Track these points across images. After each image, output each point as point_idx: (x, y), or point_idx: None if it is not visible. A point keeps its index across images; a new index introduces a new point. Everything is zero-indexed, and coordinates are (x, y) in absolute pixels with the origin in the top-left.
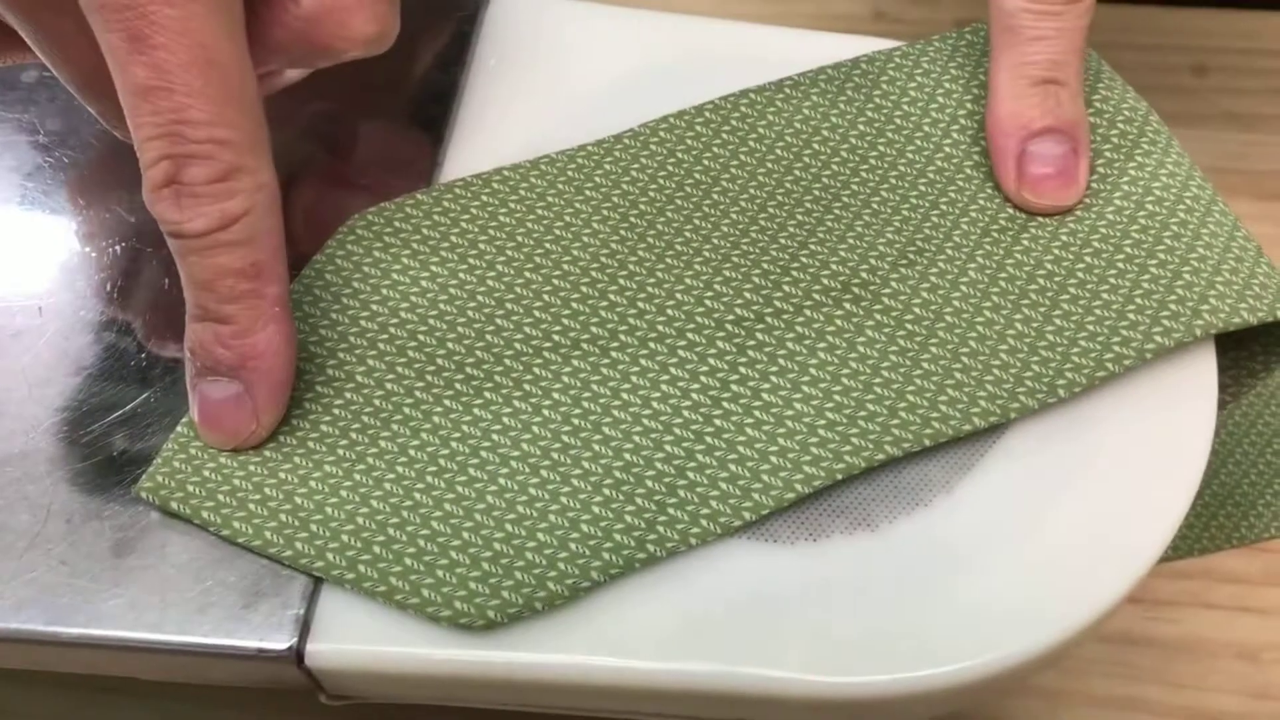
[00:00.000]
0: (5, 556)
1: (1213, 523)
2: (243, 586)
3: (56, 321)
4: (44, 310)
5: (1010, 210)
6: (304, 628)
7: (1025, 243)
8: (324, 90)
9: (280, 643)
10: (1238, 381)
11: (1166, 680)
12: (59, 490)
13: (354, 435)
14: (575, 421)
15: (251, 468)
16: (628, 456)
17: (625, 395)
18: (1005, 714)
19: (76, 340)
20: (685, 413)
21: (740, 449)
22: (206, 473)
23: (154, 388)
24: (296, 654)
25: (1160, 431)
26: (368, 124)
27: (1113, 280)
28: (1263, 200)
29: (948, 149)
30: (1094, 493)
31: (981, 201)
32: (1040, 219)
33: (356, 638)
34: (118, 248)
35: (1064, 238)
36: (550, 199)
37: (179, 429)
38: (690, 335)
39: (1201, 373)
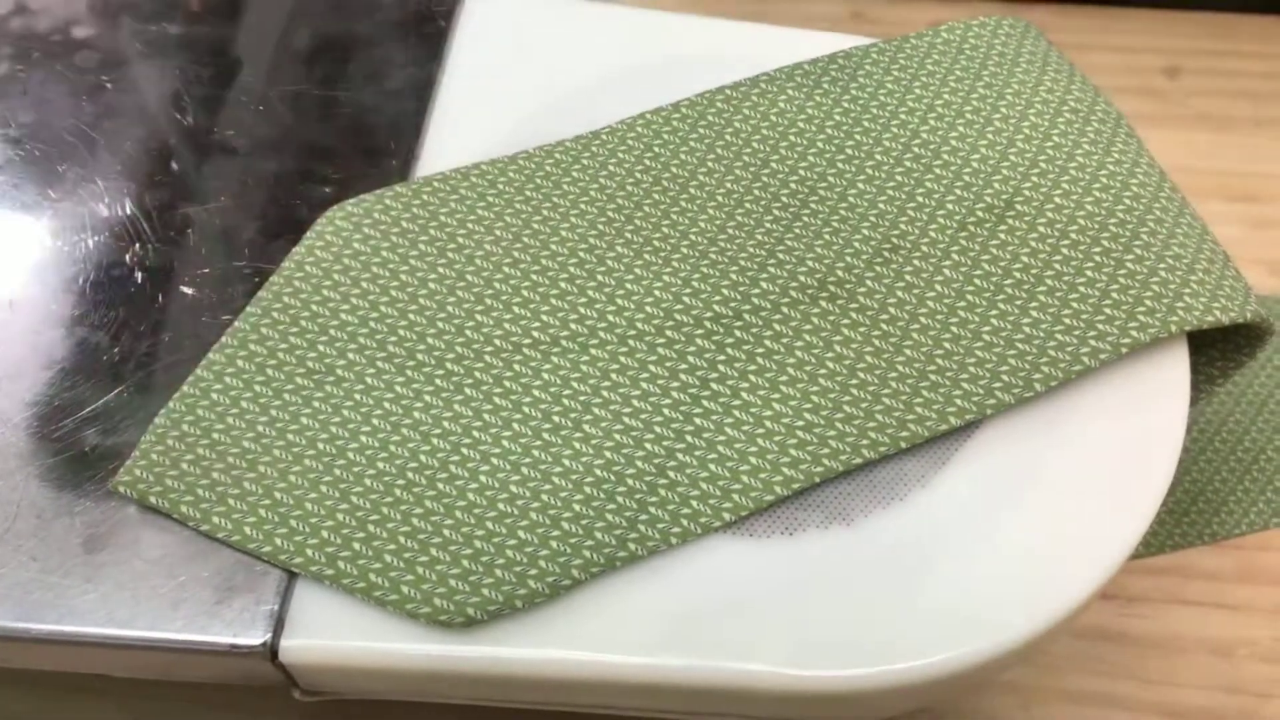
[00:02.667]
0: None
1: (1184, 520)
2: (216, 582)
3: (27, 316)
4: (14, 305)
5: (986, 203)
6: (278, 624)
7: (1001, 237)
8: (300, 83)
9: (254, 639)
10: (1198, 385)
11: (1140, 676)
12: (29, 486)
13: (334, 429)
14: (556, 419)
15: (230, 459)
16: (609, 455)
17: (605, 393)
18: (979, 710)
19: (47, 335)
20: (665, 411)
21: (720, 449)
22: (184, 465)
23: (126, 383)
24: (270, 650)
25: (1133, 428)
26: (344, 118)
27: (1089, 275)
28: (1232, 200)
29: (918, 146)
30: (1067, 488)
31: (958, 192)
32: (1017, 210)
33: (331, 633)
34: (89, 241)
35: (1040, 229)
36: (528, 193)
37: (156, 421)
38: (669, 333)
39: (1174, 371)
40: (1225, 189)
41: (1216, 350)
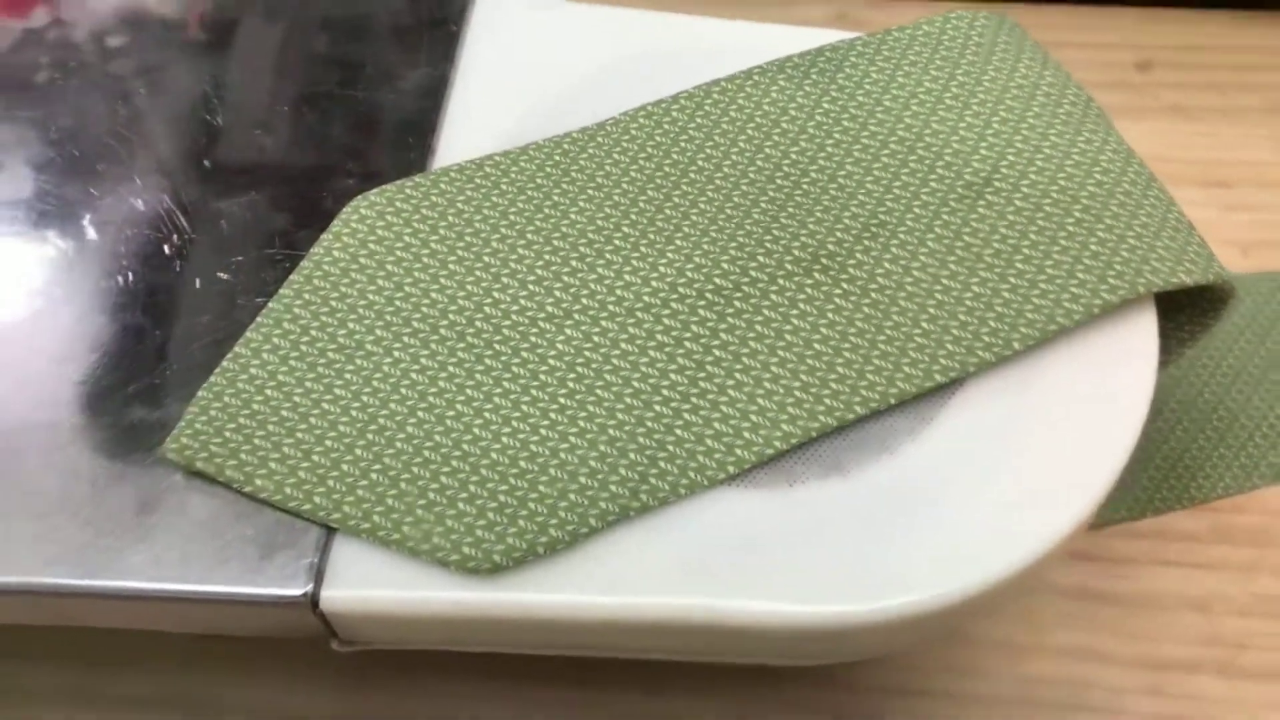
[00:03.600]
0: (35, 518)
1: (1164, 485)
2: (260, 539)
3: (74, 304)
4: (61, 294)
5: (965, 181)
6: (318, 575)
7: (980, 212)
8: (321, 86)
9: (296, 590)
10: (1168, 348)
11: (1123, 632)
12: (82, 459)
13: (365, 399)
14: (571, 385)
15: (270, 427)
16: (620, 416)
17: (615, 361)
18: (972, 664)
19: (93, 321)
20: (672, 375)
21: (724, 409)
22: (228, 434)
23: (168, 362)
24: (312, 600)
25: (1105, 384)
26: (364, 117)
27: (1062, 244)
28: (1206, 186)
29: (902, 130)
30: (1044, 441)
31: (939, 172)
32: (995, 186)
33: (367, 583)
34: (130, 234)
35: (1017, 204)
36: (539, 181)
37: (200, 394)
38: (674, 305)
39: (1143, 331)
40: (1197, 175)
41: (1184, 315)
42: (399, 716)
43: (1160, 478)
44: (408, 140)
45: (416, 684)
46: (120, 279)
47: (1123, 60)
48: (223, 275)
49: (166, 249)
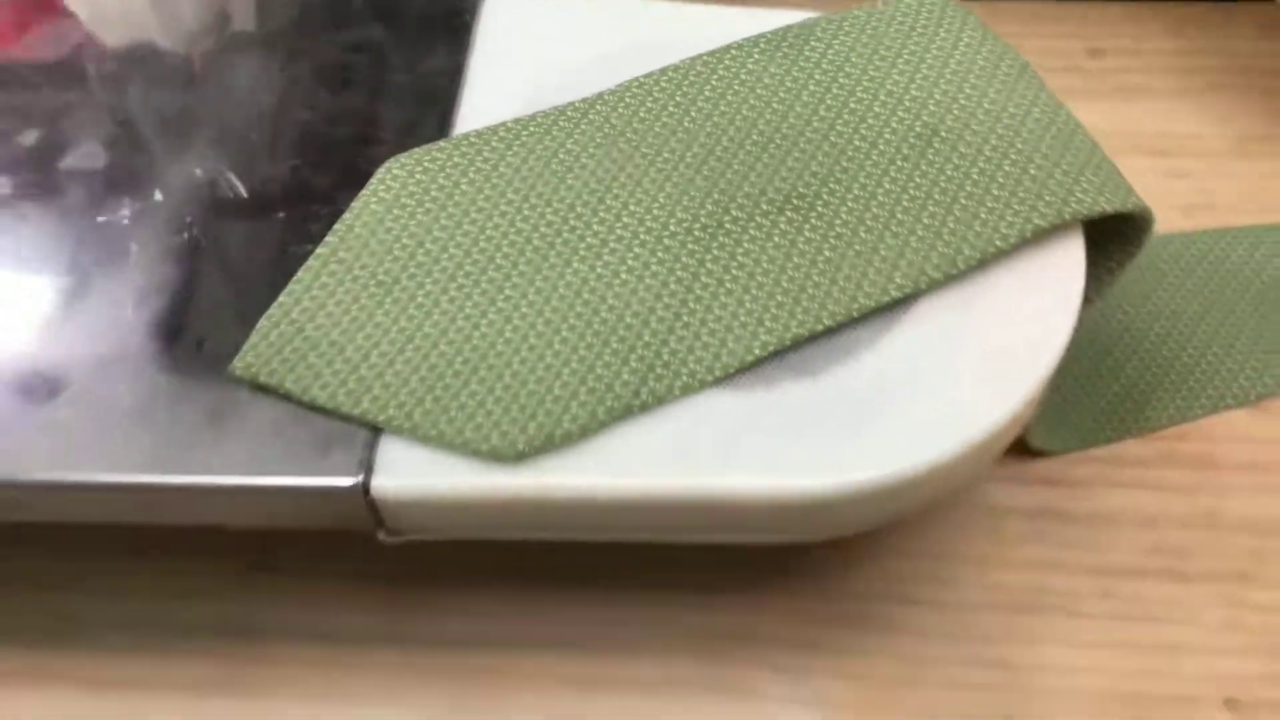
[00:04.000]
0: (121, 429)
1: (1115, 416)
2: (316, 440)
3: (145, 255)
4: (135, 245)
5: (916, 132)
6: (368, 468)
7: (929, 157)
8: (354, 71)
9: (349, 480)
10: (1099, 277)
11: (1079, 545)
12: (158, 381)
13: (404, 323)
14: (579, 307)
15: (323, 348)
16: (623, 331)
17: (618, 286)
18: (943, 574)
19: (164, 268)
20: (666, 297)
21: (711, 324)
22: (287, 353)
23: (230, 300)
24: (363, 488)
25: (1042, 295)
26: (392, 97)
27: (1000, 181)
28: (1151, 156)
29: (861, 91)
30: (989, 342)
31: (894, 125)
32: (942, 136)
33: (411, 473)
34: (192, 196)
35: (961, 150)
36: (547, 141)
37: (262, 322)
38: (666, 240)
39: (1073, 252)
40: (1142, 147)
41: (1113, 246)
42: (435, 636)
43: (1111, 409)
44: (431, 115)
45: (451, 607)
46: (186, 234)
47: (1075, 49)
48: (274, 228)
49: (224, 208)
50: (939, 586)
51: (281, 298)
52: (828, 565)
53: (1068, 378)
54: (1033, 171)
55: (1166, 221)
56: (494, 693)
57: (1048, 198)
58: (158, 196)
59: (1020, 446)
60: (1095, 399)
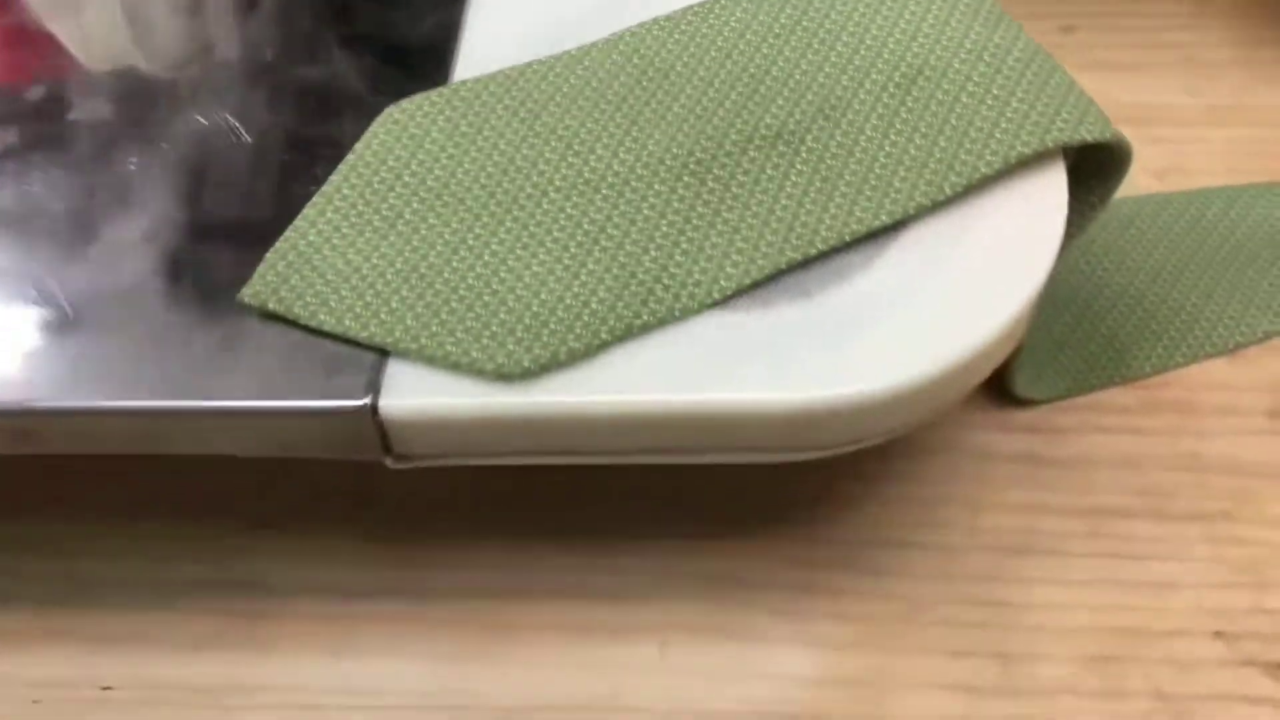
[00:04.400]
0: (133, 357)
1: (1099, 365)
2: (326, 364)
3: (159, 196)
4: (149, 186)
5: (902, 71)
6: (375, 390)
7: (914, 93)
8: (358, 27)
9: (358, 400)
10: (1081, 211)
11: (1066, 488)
12: (172, 312)
13: (408, 253)
14: (581, 236)
15: (329, 276)
16: (623, 258)
17: (617, 217)
18: (934, 518)
19: (177, 210)
20: (664, 225)
21: (708, 250)
22: (294, 280)
23: (239, 232)
24: (371, 408)
25: (1028, 220)
26: (392, 50)
27: (983, 113)
28: (1125, 124)
29: (847, 35)
30: (973, 266)
31: (880, 65)
32: (926, 75)
33: (417, 393)
34: (206, 144)
35: (945, 86)
36: (543, 86)
37: (268, 256)
38: (663, 173)
39: (1055, 180)
40: (1117, 115)
41: (1094, 180)
42: (437, 588)
43: (1094, 359)
44: (430, 67)
45: (453, 560)
46: (199, 176)
47: (1050, 27)
48: (281, 169)
49: (235, 153)
50: (930, 530)
51: (289, 230)
52: (820, 511)
53: (1052, 329)
54: (1014, 104)
55: (1142, 185)
56: (497, 640)
57: (1030, 127)
58: (171, 145)
59: (1006, 395)
60: (1078, 349)
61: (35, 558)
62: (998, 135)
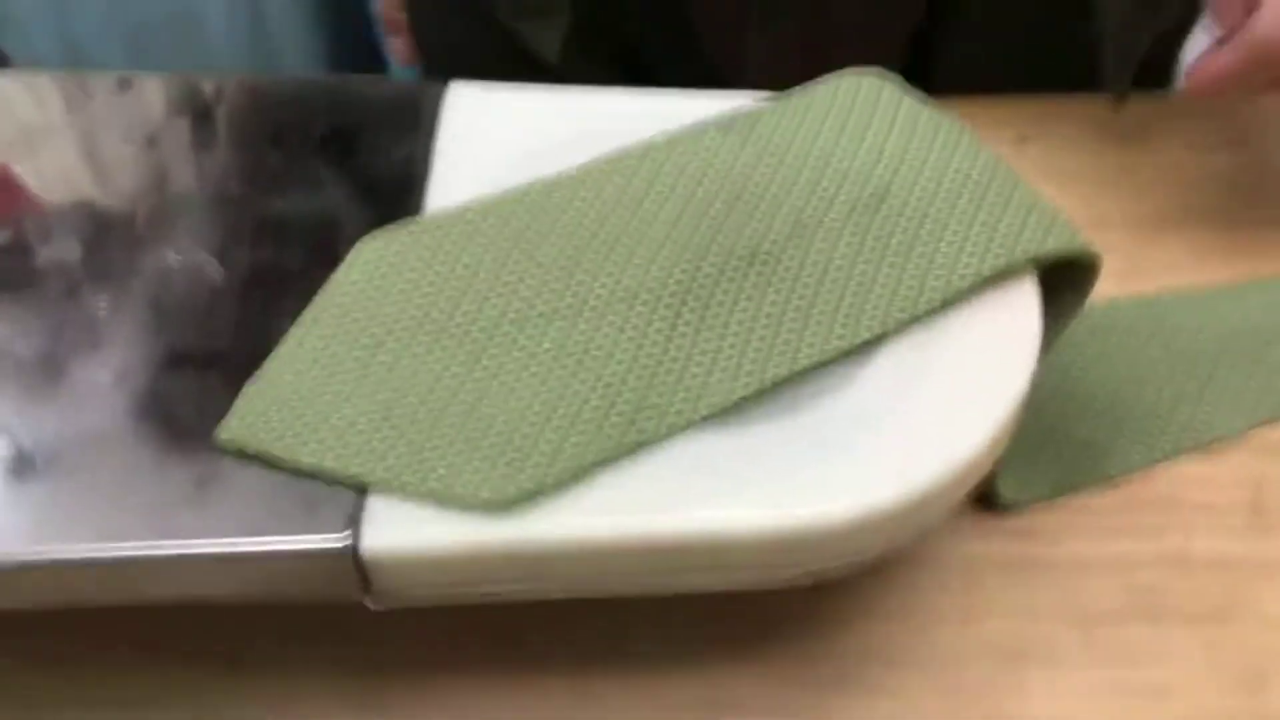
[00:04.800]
0: (105, 499)
1: (1079, 467)
2: (304, 504)
3: (134, 329)
4: (126, 323)
5: (869, 191)
6: (356, 529)
7: (883, 213)
8: (331, 164)
9: (338, 542)
10: (1057, 317)
11: (1057, 593)
12: (146, 449)
13: (390, 389)
14: (564, 361)
15: (309, 414)
16: (606, 382)
17: (597, 345)
18: (925, 629)
19: (153, 341)
20: (646, 350)
21: (691, 371)
22: (274, 422)
23: (214, 371)
24: (352, 549)
25: (1002, 334)
26: (366, 180)
27: (951, 231)
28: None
29: (814, 159)
30: (960, 372)
31: (847, 187)
32: (892, 194)
33: (399, 531)
34: (182, 281)
35: (912, 205)
36: (520, 214)
37: (247, 391)
38: (642, 298)
39: (1027, 294)
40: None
41: (1066, 290)
42: None
43: (1075, 461)
44: (403, 198)
45: (428, 700)
46: (176, 310)
47: (1004, 136)
48: (255, 304)
49: (204, 287)
50: (920, 644)
51: (264, 368)
52: (810, 627)
53: (1032, 432)
54: (982, 218)
55: (1103, 289)
56: None
57: (999, 240)
58: (151, 280)
59: (991, 502)
60: (1058, 452)
61: (4, 708)
62: (968, 249)
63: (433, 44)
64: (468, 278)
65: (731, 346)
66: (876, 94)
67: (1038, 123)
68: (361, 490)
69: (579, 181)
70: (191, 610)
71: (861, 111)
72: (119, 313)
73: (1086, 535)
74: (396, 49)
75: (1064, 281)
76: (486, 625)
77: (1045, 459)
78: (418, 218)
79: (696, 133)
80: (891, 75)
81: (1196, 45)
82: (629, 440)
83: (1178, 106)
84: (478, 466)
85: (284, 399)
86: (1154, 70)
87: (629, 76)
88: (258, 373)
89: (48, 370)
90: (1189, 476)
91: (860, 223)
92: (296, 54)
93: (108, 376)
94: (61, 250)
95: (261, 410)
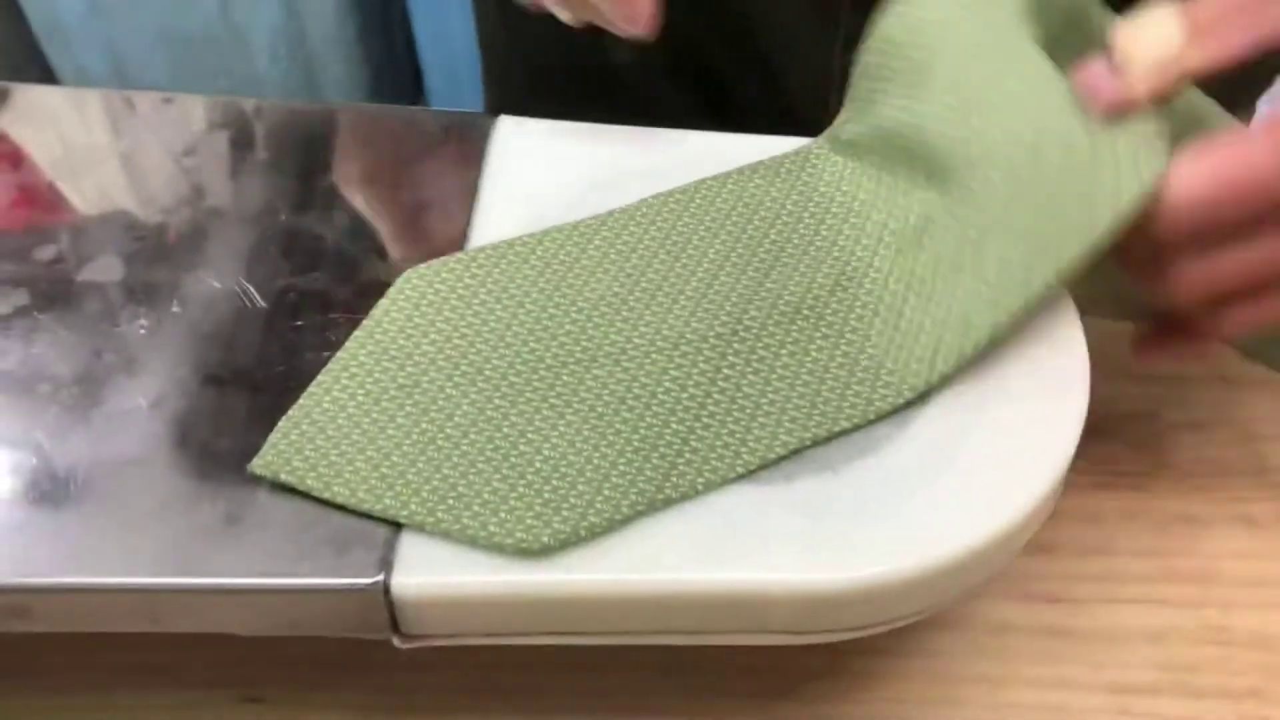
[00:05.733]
0: (136, 530)
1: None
2: (336, 539)
3: (169, 360)
4: (158, 354)
5: (909, 237)
6: (388, 566)
7: (923, 258)
8: (381, 188)
9: (369, 578)
10: None
11: (1088, 662)
12: (180, 480)
13: (425, 425)
14: (601, 408)
15: (345, 446)
16: (644, 430)
17: (637, 389)
18: (952, 696)
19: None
20: (685, 399)
21: (731, 424)
22: (309, 452)
23: (256, 399)
24: (384, 586)
25: (1050, 382)
26: (413, 211)
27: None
28: None
29: (858, 205)
30: (1001, 435)
31: (887, 239)
32: (936, 236)
33: (431, 571)
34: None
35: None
36: (562, 255)
37: (282, 423)
38: (684, 347)
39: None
40: None
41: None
42: None
43: None
44: (448, 228)
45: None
46: (219, 338)
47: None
48: (293, 334)
49: (244, 314)
50: (950, 709)
51: (303, 399)
52: (833, 687)
53: None
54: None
55: None
56: None
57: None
58: (173, 307)
59: (1023, 565)
60: None
61: None
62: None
63: (508, 66)
64: (508, 318)
65: (771, 402)
66: None
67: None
68: (395, 528)
69: (624, 221)
70: (212, 638)
71: None
72: (156, 336)
73: (1121, 604)
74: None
75: None
76: (508, 673)
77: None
78: (462, 250)
79: (744, 175)
80: None
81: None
82: (664, 494)
83: None
84: (512, 508)
85: (320, 431)
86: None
87: (711, 104)
88: (296, 403)
89: (83, 393)
90: (1230, 549)
91: (903, 274)
92: (339, 76)
93: (143, 401)
94: (101, 270)
95: (297, 441)
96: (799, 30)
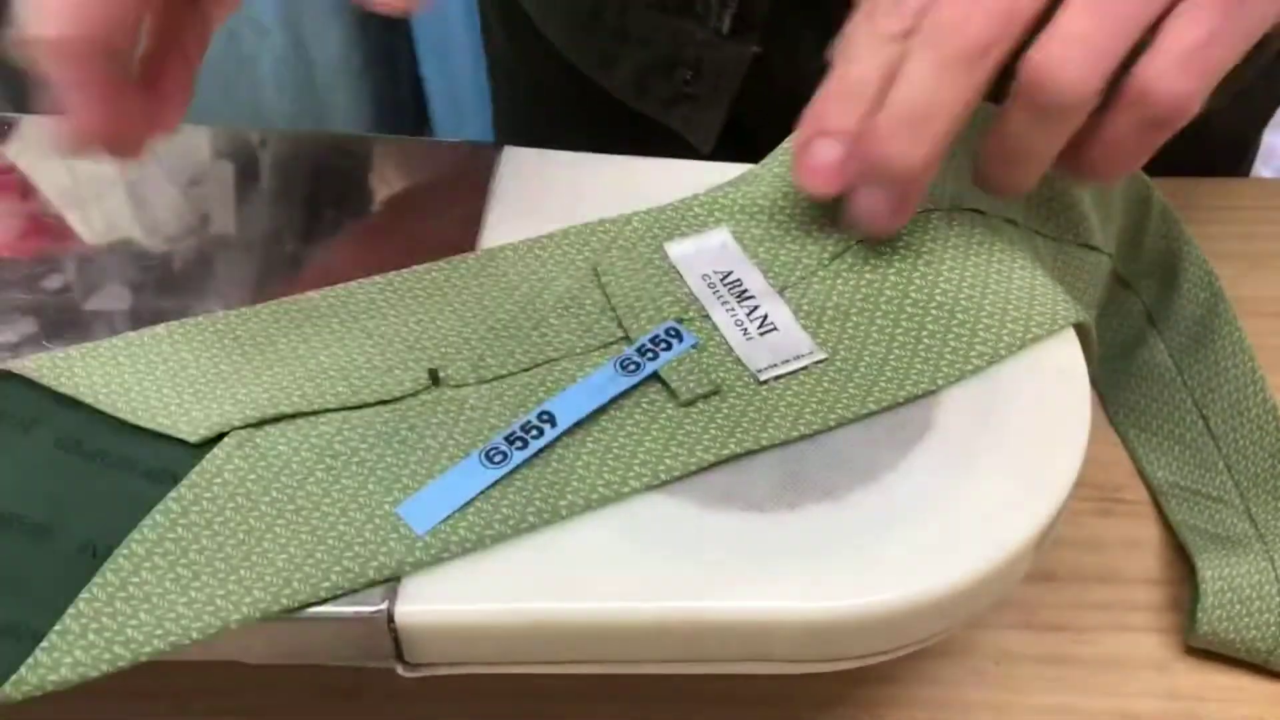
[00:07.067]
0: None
1: None
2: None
3: None
4: None
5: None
6: (392, 596)
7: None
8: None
9: (373, 607)
10: None
11: (1093, 690)
12: None
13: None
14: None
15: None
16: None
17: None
18: (958, 698)
19: None
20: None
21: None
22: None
23: None
24: (388, 615)
25: (1052, 410)
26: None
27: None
28: None
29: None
30: (1004, 461)
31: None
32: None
33: (436, 601)
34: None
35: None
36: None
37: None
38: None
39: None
40: None
41: None
42: None
43: None
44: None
45: None
46: None
47: None
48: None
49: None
50: None
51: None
52: (836, 716)
53: None
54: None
55: None
56: None
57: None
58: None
59: (1027, 593)
60: None
61: None
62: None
63: (514, 84)
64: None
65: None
66: None
67: None
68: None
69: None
70: (215, 665)
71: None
72: None
73: (1127, 632)
74: None
75: None
76: (510, 701)
77: None
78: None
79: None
80: None
81: None
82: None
83: None
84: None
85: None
86: (1233, 149)
87: (726, 129)
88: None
89: None
90: None
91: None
92: (344, 106)
93: None
94: (109, 299)
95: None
96: (813, 64)
